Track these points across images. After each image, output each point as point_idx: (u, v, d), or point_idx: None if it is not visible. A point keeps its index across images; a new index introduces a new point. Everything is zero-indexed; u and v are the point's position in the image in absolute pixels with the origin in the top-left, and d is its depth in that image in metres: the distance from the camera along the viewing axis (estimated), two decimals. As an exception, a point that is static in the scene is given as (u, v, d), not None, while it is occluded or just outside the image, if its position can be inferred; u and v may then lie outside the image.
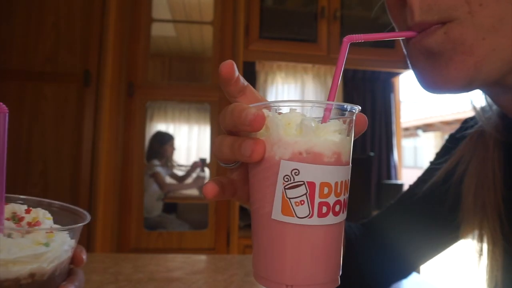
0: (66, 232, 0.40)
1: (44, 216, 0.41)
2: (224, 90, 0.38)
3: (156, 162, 2.16)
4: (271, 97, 2.46)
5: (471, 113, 0.61)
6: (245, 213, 2.02)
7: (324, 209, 0.31)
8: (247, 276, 0.91)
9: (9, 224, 0.38)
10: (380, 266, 0.67)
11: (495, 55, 0.38)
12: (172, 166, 2.26)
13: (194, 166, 2.20)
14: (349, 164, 0.33)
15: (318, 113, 0.33)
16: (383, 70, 2.49)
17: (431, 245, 0.65)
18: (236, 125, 0.33)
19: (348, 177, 0.33)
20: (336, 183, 0.31)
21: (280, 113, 0.33)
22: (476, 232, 0.55)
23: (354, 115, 0.34)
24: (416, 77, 0.45)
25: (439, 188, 0.60)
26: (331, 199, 0.31)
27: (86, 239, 1.64)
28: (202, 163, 2.18)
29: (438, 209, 0.61)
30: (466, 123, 0.63)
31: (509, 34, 0.37)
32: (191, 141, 2.33)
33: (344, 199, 0.32)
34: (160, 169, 2.16)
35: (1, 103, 0.34)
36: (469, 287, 3.55)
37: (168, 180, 2.24)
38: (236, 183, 0.39)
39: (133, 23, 1.94)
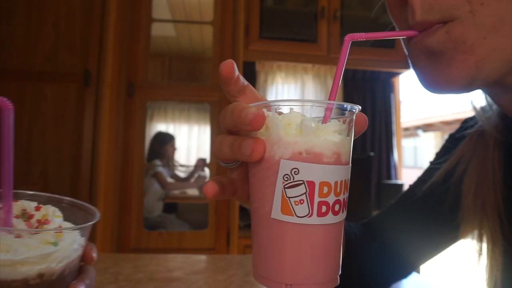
0: (77, 230, 0.39)
1: (53, 214, 0.41)
2: (224, 90, 0.38)
3: (157, 162, 2.16)
4: (271, 97, 2.46)
5: (471, 113, 0.61)
6: (245, 213, 2.02)
7: (324, 209, 0.31)
8: (247, 276, 0.91)
9: (18, 222, 0.38)
10: (380, 266, 0.67)
11: (495, 55, 0.38)
12: (174, 166, 2.26)
13: (197, 165, 2.20)
14: (349, 164, 0.33)
15: (318, 112, 0.33)
16: (383, 70, 2.49)
17: (431, 245, 0.65)
18: (236, 125, 0.33)
19: (348, 176, 0.33)
20: (336, 182, 0.31)
21: (280, 113, 0.33)
22: (476, 232, 0.55)
23: (354, 115, 0.34)
24: (418, 76, 0.45)
25: (439, 188, 0.60)
26: (331, 199, 0.31)
27: (86, 239, 1.64)
28: (202, 163, 2.18)
29: (438, 209, 0.61)
30: (466, 123, 0.63)
31: (509, 34, 0.37)
32: (191, 141, 2.33)
33: (344, 198, 0.32)
34: (161, 169, 2.16)
35: (6, 100, 0.34)
36: (469, 287, 3.55)
37: (170, 180, 2.24)
38: (236, 183, 0.39)
39: (133, 23, 1.94)
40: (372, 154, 2.35)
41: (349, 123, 0.33)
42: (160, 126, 2.28)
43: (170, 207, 2.18)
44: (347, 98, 2.57)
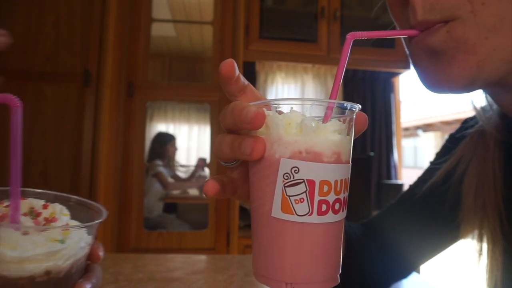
0: (84, 229, 0.39)
1: (61, 212, 0.41)
2: (224, 89, 0.38)
3: (158, 162, 2.16)
4: (271, 97, 2.46)
5: (471, 113, 0.61)
6: (245, 213, 2.02)
7: (324, 207, 0.31)
8: (247, 276, 0.91)
9: (25, 220, 0.38)
10: (380, 266, 0.67)
11: (496, 55, 0.38)
12: (174, 167, 2.26)
13: (198, 165, 2.21)
14: (349, 163, 0.33)
15: (318, 112, 0.33)
16: (383, 70, 2.49)
17: (431, 245, 0.65)
18: (237, 123, 0.33)
19: (348, 175, 0.33)
20: (336, 181, 0.31)
21: (280, 113, 0.33)
22: (476, 232, 0.55)
23: (354, 114, 0.34)
24: (419, 76, 0.45)
25: (439, 188, 0.60)
26: (331, 197, 0.31)
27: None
28: (203, 162, 2.18)
29: (438, 209, 0.61)
30: (466, 123, 0.63)
31: (510, 34, 0.37)
32: (191, 141, 2.33)
33: (344, 197, 0.32)
34: (162, 169, 2.16)
35: (15, 98, 0.34)
36: (469, 287, 3.55)
37: (170, 180, 2.24)
38: (236, 182, 0.39)
39: (133, 23, 1.94)
40: (372, 154, 2.35)
41: (349, 122, 0.33)
42: (160, 126, 2.28)
43: (170, 207, 2.18)
44: (347, 98, 2.57)
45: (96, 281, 0.40)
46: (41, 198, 0.41)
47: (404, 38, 0.45)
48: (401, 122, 2.75)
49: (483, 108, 0.57)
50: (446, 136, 0.68)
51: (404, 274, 0.69)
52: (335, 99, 0.33)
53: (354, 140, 0.35)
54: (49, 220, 0.39)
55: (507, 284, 0.53)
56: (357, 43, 0.36)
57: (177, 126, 2.33)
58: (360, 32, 0.35)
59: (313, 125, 0.31)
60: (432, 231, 0.63)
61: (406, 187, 0.72)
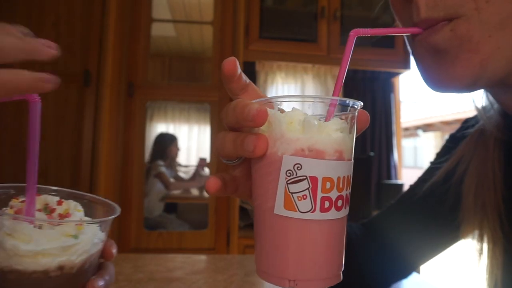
0: (97, 224, 0.39)
1: (75, 208, 0.41)
2: (226, 87, 0.38)
3: (160, 162, 2.17)
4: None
5: (471, 113, 0.61)
6: (245, 213, 2.02)
7: (327, 204, 0.31)
8: (247, 276, 0.91)
9: (40, 215, 0.38)
10: (380, 266, 0.67)
11: (500, 53, 0.38)
12: (176, 167, 2.26)
13: (199, 164, 2.21)
14: (351, 160, 0.33)
15: (320, 109, 0.33)
16: (383, 70, 2.49)
17: (431, 245, 0.65)
18: (239, 121, 0.33)
19: (350, 172, 0.33)
20: (339, 178, 0.31)
21: (282, 111, 0.33)
22: (477, 232, 0.55)
23: (356, 111, 0.34)
24: (421, 74, 0.44)
25: (440, 187, 0.60)
26: (334, 194, 0.31)
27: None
28: (203, 162, 2.18)
29: (439, 209, 0.61)
30: (467, 123, 0.63)
31: None
32: (191, 141, 2.33)
33: (347, 194, 0.32)
34: (164, 169, 2.16)
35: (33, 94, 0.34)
36: (469, 287, 3.55)
37: (172, 181, 2.24)
38: (238, 180, 0.39)
39: (133, 23, 1.94)
40: (372, 154, 2.35)
41: (351, 119, 0.33)
42: (160, 126, 2.28)
43: (170, 207, 2.18)
44: (347, 98, 2.57)
45: (109, 278, 0.40)
46: (55, 195, 0.42)
47: (407, 36, 0.45)
48: (401, 122, 2.75)
49: (484, 107, 0.56)
50: (447, 136, 0.68)
51: (404, 274, 0.69)
52: (337, 96, 0.33)
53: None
54: (63, 216, 0.39)
55: (507, 284, 0.53)
56: (357, 43, 0.36)
57: (177, 126, 2.33)
58: (363, 29, 0.35)
59: (316, 123, 0.31)
60: (432, 231, 0.63)
61: (406, 187, 0.72)
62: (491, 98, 0.55)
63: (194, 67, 2.50)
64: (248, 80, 0.38)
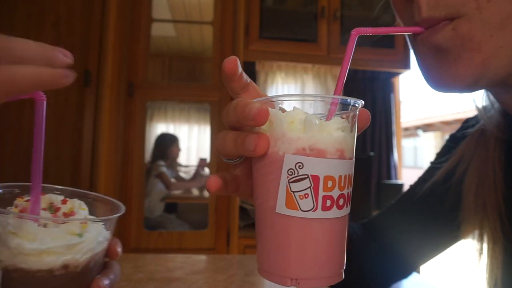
0: (101, 223, 0.39)
1: (79, 207, 0.41)
2: (227, 86, 0.38)
3: (161, 162, 2.17)
4: (271, 97, 2.46)
5: (471, 113, 0.61)
6: (245, 213, 2.01)
7: (328, 203, 0.31)
8: (247, 276, 0.91)
9: (45, 214, 0.38)
10: (380, 266, 0.67)
11: (502, 53, 0.38)
12: (177, 168, 2.26)
13: (200, 164, 2.21)
14: (352, 159, 0.33)
15: (321, 108, 0.33)
16: (383, 70, 2.49)
17: (431, 245, 0.65)
18: (240, 120, 0.33)
19: (351, 171, 0.33)
20: (340, 176, 0.31)
21: (283, 110, 0.33)
22: (477, 232, 0.55)
23: (357, 110, 0.34)
24: (423, 74, 0.44)
25: (440, 187, 0.60)
26: (335, 193, 0.31)
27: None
28: (204, 162, 2.18)
29: (439, 209, 0.61)
30: (467, 123, 0.63)
31: None
32: (191, 141, 2.33)
33: (348, 193, 0.32)
34: (165, 169, 2.16)
35: (40, 91, 0.34)
36: (469, 287, 3.55)
37: (173, 181, 2.24)
38: (239, 179, 0.39)
39: (133, 23, 1.94)
40: (372, 154, 2.35)
41: (352, 118, 0.33)
42: (160, 126, 2.28)
43: (170, 207, 2.18)
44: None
45: (114, 277, 0.40)
46: (59, 194, 0.42)
47: (408, 35, 0.45)
48: (401, 122, 2.75)
49: (484, 107, 0.56)
50: (447, 136, 0.68)
51: (404, 274, 0.69)
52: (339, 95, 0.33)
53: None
54: (67, 215, 0.39)
55: (507, 283, 0.53)
56: (357, 43, 0.35)
57: (177, 126, 2.33)
58: (365, 28, 0.35)
59: (317, 122, 0.31)
60: (433, 231, 0.63)
61: (406, 187, 0.72)
62: (491, 97, 0.55)
63: (194, 67, 2.50)
64: (249, 79, 0.38)
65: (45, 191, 0.41)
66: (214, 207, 1.92)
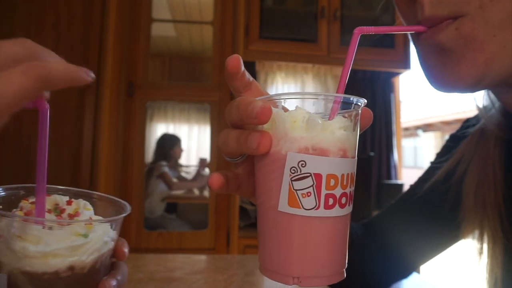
0: (107, 223, 0.39)
1: (84, 207, 0.40)
2: (229, 85, 0.38)
3: (163, 163, 2.17)
4: (271, 97, 2.46)
5: (471, 113, 0.61)
6: (245, 213, 2.01)
7: (331, 201, 0.31)
8: (247, 276, 0.91)
9: (50, 216, 0.38)
10: (380, 266, 0.67)
11: (505, 52, 0.38)
12: (179, 168, 2.27)
13: (201, 164, 2.21)
14: (355, 158, 0.33)
15: (324, 106, 0.33)
16: (383, 70, 2.49)
17: (431, 245, 0.65)
18: (243, 118, 0.33)
19: (354, 170, 0.33)
20: (343, 175, 0.31)
21: (285, 109, 0.33)
22: (477, 232, 0.55)
23: (360, 109, 0.34)
24: (425, 73, 0.44)
25: (440, 187, 0.60)
26: (338, 191, 0.31)
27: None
28: (204, 162, 2.18)
29: (439, 209, 0.61)
30: (467, 122, 0.63)
31: None
32: (191, 141, 2.33)
33: (350, 191, 0.32)
34: (167, 169, 2.16)
35: (44, 100, 0.35)
36: (469, 287, 3.55)
37: (175, 181, 2.24)
38: (240, 177, 0.39)
39: (133, 23, 1.94)
40: (372, 154, 2.35)
41: (355, 117, 0.33)
42: (160, 126, 2.28)
43: (171, 207, 2.19)
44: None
45: (121, 278, 0.40)
46: (64, 195, 0.41)
47: (411, 34, 0.45)
48: (401, 122, 2.75)
49: (485, 107, 0.56)
50: (447, 136, 0.68)
51: (404, 274, 0.69)
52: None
53: None
54: (72, 216, 0.39)
55: (507, 283, 0.53)
56: (358, 43, 0.35)
57: (177, 126, 2.33)
58: (367, 27, 0.35)
59: (319, 122, 0.31)
60: (433, 231, 0.63)
61: (406, 187, 0.72)
62: (492, 97, 0.55)
63: (194, 67, 2.50)
64: (251, 78, 0.38)
65: (49, 192, 0.40)
66: (214, 207, 1.92)
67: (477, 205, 0.54)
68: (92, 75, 0.32)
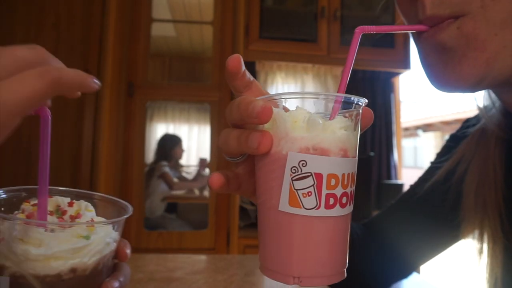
0: (109, 224, 0.39)
1: (86, 208, 0.40)
2: (230, 84, 0.38)
3: (164, 163, 2.17)
4: (271, 97, 2.46)
5: (471, 113, 0.61)
6: (245, 213, 2.01)
7: (331, 201, 0.31)
8: (247, 276, 0.91)
9: (51, 219, 0.38)
10: (380, 266, 0.67)
11: (506, 52, 0.38)
12: (180, 168, 2.26)
13: (201, 164, 2.21)
14: (355, 157, 0.33)
15: (325, 106, 0.33)
16: (383, 70, 2.49)
17: (431, 245, 0.65)
18: (243, 118, 0.33)
19: (354, 169, 0.33)
20: (343, 175, 0.31)
21: (286, 109, 0.33)
22: (477, 231, 0.55)
23: (361, 108, 0.34)
24: (426, 73, 0.44)
25: (440, 187, 0.60)
26: (338, 191, 0.31)
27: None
28: (204, 162, 2.18)
29: (439, 208, 0.61)
30: (468, 122, 0.63)
31: None
32: (191, 141, 2.33)
33: (351, 191, 0.32)
34: (168, 169, 2.16)
35: (46, 108, 0.35)
36: (469, 286, 3.55)
37: (176, 181, 2.25)
38: (241, 177, 0.39)
39: (133, 23, 1.94)
40: (372, 154, 2.35)
41: (356, 117, 0.33)
42: (160, 126, 2.28)
43: (171, 207, 2.19)
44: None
45: (123, 279, 0.40)
46: (65, 196, 0.41)
47: (412, 33, 0.45)
48: (401, 122, 2.75)
49: (485, 106, 0.56)
50: (447, 136, 0.68)
51: (404, 274, 0.69)
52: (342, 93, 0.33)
53: None
54: (74, 217, 0.39)
55: (507, 282, 0.53)
56: (359, 42, 0.35)
57: (177, 126, 2.33)
58: (369, 26, 0.35)
59: (320, 122, 0.31)
60: (433, 231, 0.63)
61: (406, 187, 0.72)
62: (493, 96, 0.55)
63: (194, 67, 2.50)
64: (252, 78, 0.38)
65: (51, 193, 0.40)
66: (214, 207, 1.92)
67: (477, 205, 0.54)
68: (98, 83, 0.33)
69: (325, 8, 2.14)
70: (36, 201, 0.37)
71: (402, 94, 2.74)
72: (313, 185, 0.30)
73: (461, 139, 0.60)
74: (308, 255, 0.31)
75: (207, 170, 2.17)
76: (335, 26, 2.15)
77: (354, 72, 2.60)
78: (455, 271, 3.97)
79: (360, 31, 0.34)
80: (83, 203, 0.41)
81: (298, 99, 0.33)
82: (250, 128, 0.35)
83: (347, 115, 0.33)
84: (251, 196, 0.40)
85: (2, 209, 0.39)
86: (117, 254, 0.41)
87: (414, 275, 0.74)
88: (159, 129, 2.27)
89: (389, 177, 2.62)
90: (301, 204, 0.31)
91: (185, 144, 2.31)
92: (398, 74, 2.61)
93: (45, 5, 1.76)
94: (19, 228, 0.34)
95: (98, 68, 1.75)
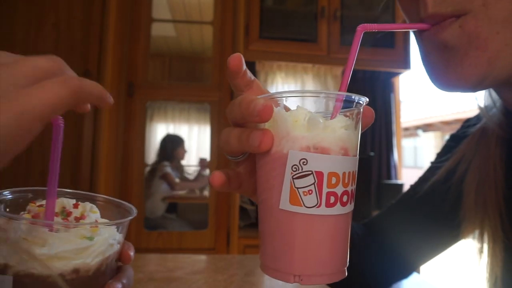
0: (113, 225, 0.39)
1: (90, 210, 0.41)
2: (231, 83, 0.38)
3: (166, 163, 2.17)
4: (271, 97, 2.46)
5: (471, 113, 0.61)
6: (245, 213, 2.01)
7: (332, 199, 0.31)
8: (247, 276, 0.91)
9: (56, 219, 0.38)
10: (380, 266, 0.67)
11: (507, 50, 0.37)
12: (182, 168, 2.27)
13: (201, 164, 2.21)
14: (356, 156, 0.33)
15: (325, 105, 0.33)
16: (383, 70, 2.49)
17: (431, 245, 0.65)
18: (244, 116, 0.33)
19: (355, 168, 0.33)
20: (344, 173, 0.31)
21: (287, 109, 0.33)
22: (477, 231, 0.55)
23: (362, 107, 0.34)
24: (427, 72, 0.44)
25: (441, 187, 0.60)
26: (339, 189, 0.31)
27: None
28: (205, 162, 2.19)
29: (439, 208, 0.61)
30: (468, 122, 0.63)
31: None
32: (191, 141, 2.33)
33: (352, 190, 0.32)
34: (170, 170, 2.16)
35: (59, 116, 0.36)
36: (469, 286, 3.55)
37: (178, 181, 2.25)
38: (242, 176, 0.39)
39: (133, 23, 1.94)
40: (372, 154, 2.35)
41: (357, 115, 0.33)
42: (160, 126, 2.28)
43: (171, 207, 2.19)
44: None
45: (126, 281, 0.39)
46: (71, 198, 0.42)
47: (414, 32, 0.44)
48: (401, 122, 2.75)
49: (486, 106, 0.56)
50: (447, 136, 0.68)
51: (405, 274, 0.69)
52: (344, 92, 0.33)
53: None
54: (78, 219, 0.39)
55: (507, 282, 0.53)
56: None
57: (177, 126, 2.33)
58: (371, 24, 0.34)
59: (321, 121, 0.31)
60: (433, 231, 0.63)
61: (406, 187, 0.72)
62: (493, 96, 0.55)
63: (194, 67, 2.50)
64: (252, 77, 0.38)
65: (57, 195, 0.40)
66: (214, 207, 1.92)
67: (477, 204, 0.54)
68: (112, 99, 0.34)
69: (325, 8, 2.14)
70: (41, 202, 0.38)
71: (402, 94, 2.74)
72: (313, 183, 0.30)
73: (461, 139, 0.60)
74: (308, 254, 0.31)
75: (207, 170, 2.17)
76: (335, 26, 2.15)
77: (354, 72, 2.59)
78: (455, 271, 3.97)
79: (362, 29, 0.34)
80: (88, 205, 0.41)
81: (298, 97, 0.33)
82: (251, 127, 0.35)
83: (348, 114, 0.33)
84: (252, 195, 0.40)
85: (8, 209, 0.39)
86: (121, 256, 0.41)
87: (414, 275, 0.74)
88: (159, 129, 2.27)
89: (389, 177, 2.62)
90: (301, 202, 0.30)
91: (185, 144, 2.31)
92: (398, 74, 2.62)
93: (45, 5, 1.76)
94: (24, 228, 0.34)
95: (98, 68, 1.75)
